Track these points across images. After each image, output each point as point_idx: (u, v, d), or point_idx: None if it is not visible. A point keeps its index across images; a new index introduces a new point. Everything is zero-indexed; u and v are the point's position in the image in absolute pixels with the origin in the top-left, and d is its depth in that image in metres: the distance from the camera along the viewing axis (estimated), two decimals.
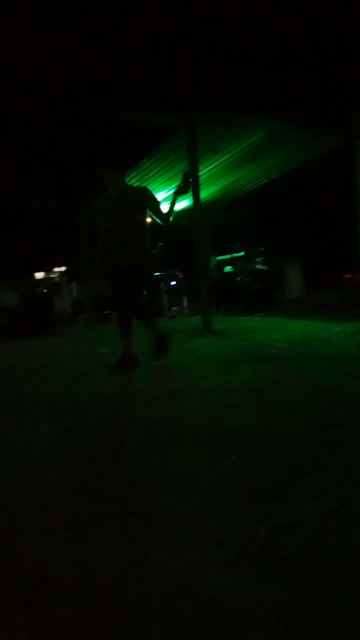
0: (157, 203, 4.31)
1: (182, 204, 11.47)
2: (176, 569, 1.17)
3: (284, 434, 2.11)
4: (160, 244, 11.38)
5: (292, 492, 1.53)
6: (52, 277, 16.72)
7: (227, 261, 12.05)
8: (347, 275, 21.49)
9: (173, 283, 12.27)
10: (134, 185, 4.68)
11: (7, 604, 1.11)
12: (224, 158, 9.76)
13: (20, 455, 2.18)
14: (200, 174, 8.21)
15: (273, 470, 1.71)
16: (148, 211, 4.28)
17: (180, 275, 12.39)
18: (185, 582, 1.12)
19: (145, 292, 4.61)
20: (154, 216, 4.29)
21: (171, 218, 4.29)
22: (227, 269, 12.02)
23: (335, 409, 2.46)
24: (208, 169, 9.95)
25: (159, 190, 10.85)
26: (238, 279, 11.44)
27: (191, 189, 7.77)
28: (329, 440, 1.96)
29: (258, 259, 11.35)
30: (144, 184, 8.75)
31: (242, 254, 11.54)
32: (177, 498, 1.56)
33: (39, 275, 17.14)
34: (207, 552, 1.24)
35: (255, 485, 1.60)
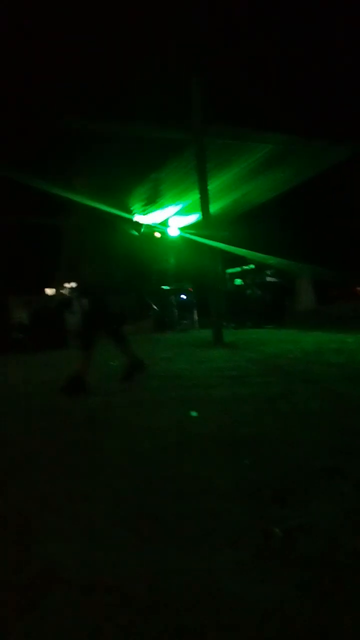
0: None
1: (192, 217, 11.55)
2: (189, 571, 1.15)
3: (297, 441, 2.08)
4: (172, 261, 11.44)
5: (306, 496, 1.50)
6: (63, 293, 16.80)
7: (237, 274, 12.05)
8: (359, 288, 21.41)
9: (183, 297, 12.33)
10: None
11: (17, 606, 1.10)
12: (233, 172, 9.82)
13: (33, 461, 2.17)
14: (209, 187, 8.25)
15: (286, 475, 1.68)
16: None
17: (190, 289, 12.44)
18: (198, 585, 1.10)
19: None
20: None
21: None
22: (238, 281, 12.01)
23: (349, 416, 2.43)
24: (218, 182, 10.01)
25: (168, 205, 10.91)
26: (249, 291, 11.43)
27: (201, 203, 7.81)
28: (343, 446, 1.93)
29: (269, 272, 11.33)
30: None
31: (252, 266, 11.53)
32: (189, 501, 1.54)
33: (50, 291, 17.23)
34: (220, 554, 1.22)
35: (269, 489, 1.57)
